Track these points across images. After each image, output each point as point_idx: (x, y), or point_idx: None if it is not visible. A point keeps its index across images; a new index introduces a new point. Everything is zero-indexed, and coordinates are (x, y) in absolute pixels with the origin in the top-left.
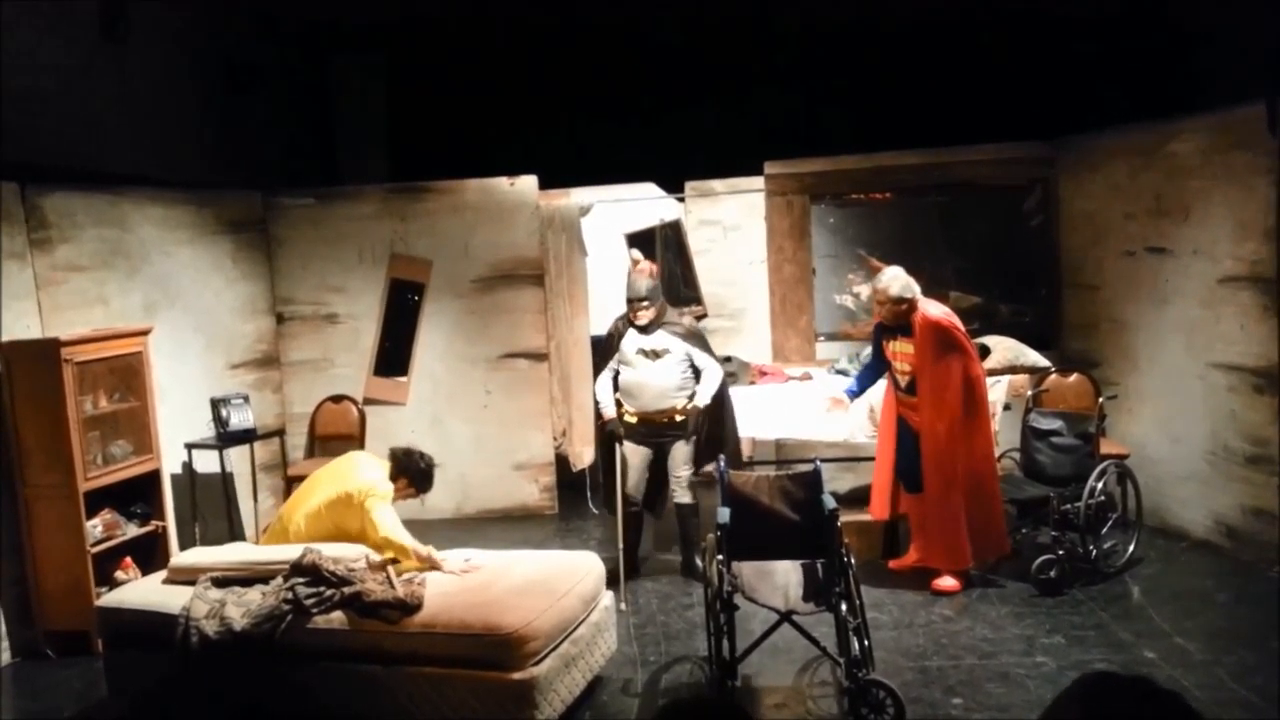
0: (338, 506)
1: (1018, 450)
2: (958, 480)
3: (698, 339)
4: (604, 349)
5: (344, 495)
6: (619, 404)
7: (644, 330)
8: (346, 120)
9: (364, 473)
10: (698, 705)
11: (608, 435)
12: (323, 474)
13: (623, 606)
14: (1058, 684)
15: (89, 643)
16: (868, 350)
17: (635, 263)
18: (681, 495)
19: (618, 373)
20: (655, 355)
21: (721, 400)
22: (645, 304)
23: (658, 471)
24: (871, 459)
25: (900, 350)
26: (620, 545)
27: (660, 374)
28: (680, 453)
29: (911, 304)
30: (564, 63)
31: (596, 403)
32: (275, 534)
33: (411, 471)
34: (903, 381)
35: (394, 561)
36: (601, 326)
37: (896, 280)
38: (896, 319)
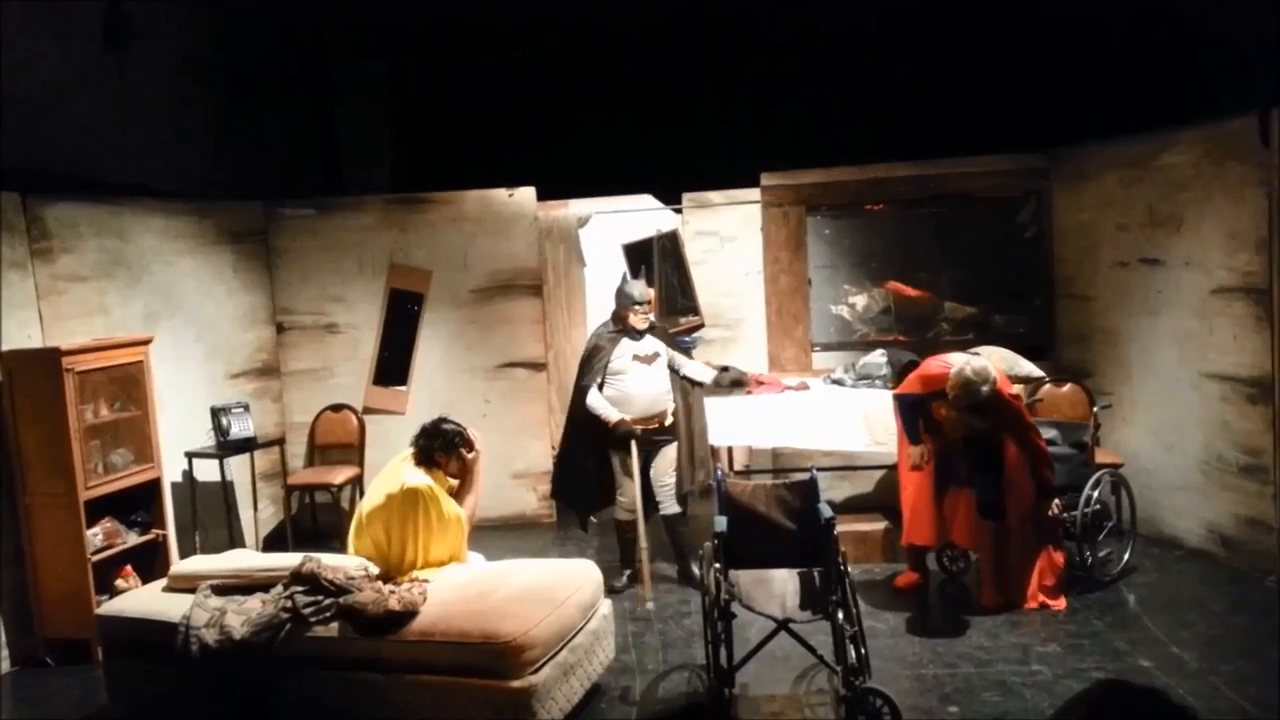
0: (382, 511)
1: None
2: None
3: (669, 339)
4: (587, 362)
5: (391, 497)
6: None
7: (639, 335)
8: (347, 131)
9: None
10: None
11: (623, 437)
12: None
13: (650, 605)
14: (1054, 692)
15: (89, 651)
16: (864, 360)
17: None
18: (669, 506)
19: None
20: (649, 360)
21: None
22: (648, 306)
23: (644, 480)
24: (869, 468)
25: (959, 420)
26: (641, 547)
27: (654, 378)
28: (666, 459)
29: None
30: (563, 74)
31: (594, 417)
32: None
33: (436, 446)
34: (952, 435)
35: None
36: None
37: (992, 374)
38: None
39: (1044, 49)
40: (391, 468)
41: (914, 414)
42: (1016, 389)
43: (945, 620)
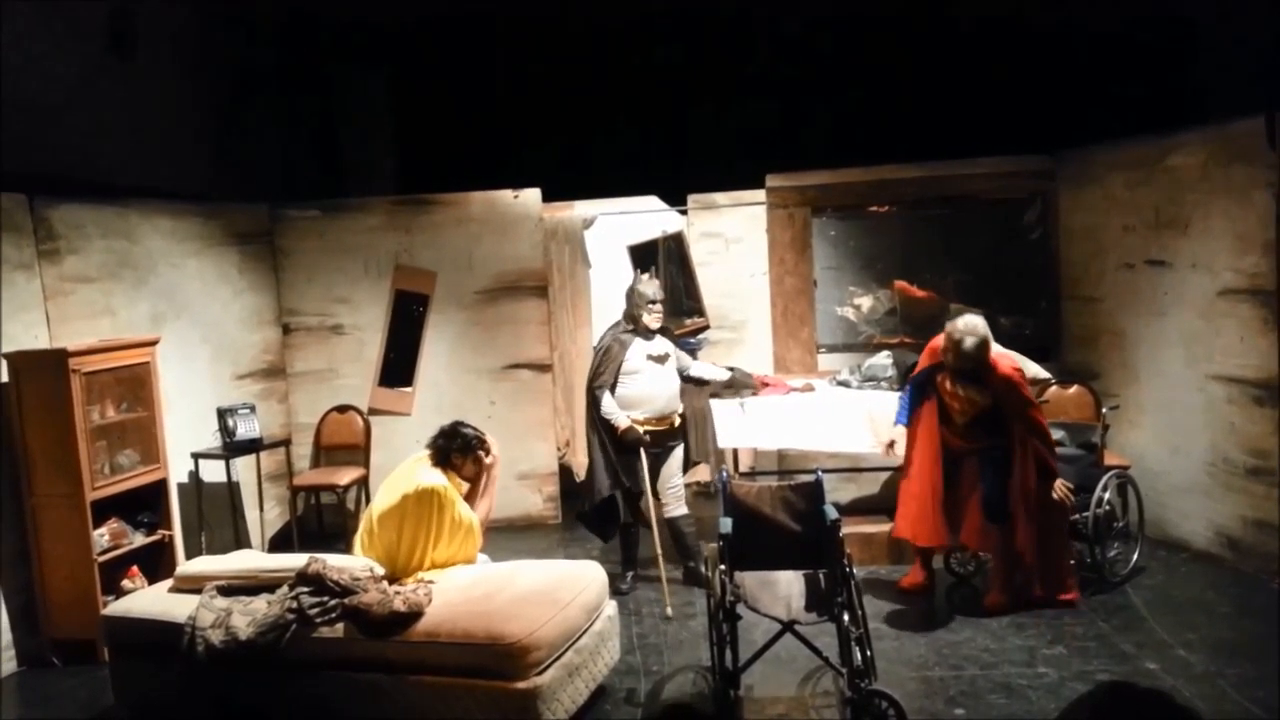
0: (395, 511)
1: None
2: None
3: (675, 341)
4: (598, 364)
5: (406, 497)
6: None
7: (652, 334)
8: (352, 133)
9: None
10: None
11: (632, 444)
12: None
13: (669, 612)
14: (1059, 695)
15: (95, 651)
16: (869, 361)
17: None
18: (676, 508)
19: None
20: (662, 360)
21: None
22: (661, 305)
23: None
24: (874, 469)
25: (962, 394)
26: (659, 552)
27: (668, 379)
28: (675, 461)
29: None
30: (568, 76)
31: (606, 419)
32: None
33: (454, 447)
34: (960, 420)
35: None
36: None
37: (980, 329)
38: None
39: (1049, 50)
40: (405, 469)
41: (921, 395)
42: (1020, 364)
43: (951, 622)
